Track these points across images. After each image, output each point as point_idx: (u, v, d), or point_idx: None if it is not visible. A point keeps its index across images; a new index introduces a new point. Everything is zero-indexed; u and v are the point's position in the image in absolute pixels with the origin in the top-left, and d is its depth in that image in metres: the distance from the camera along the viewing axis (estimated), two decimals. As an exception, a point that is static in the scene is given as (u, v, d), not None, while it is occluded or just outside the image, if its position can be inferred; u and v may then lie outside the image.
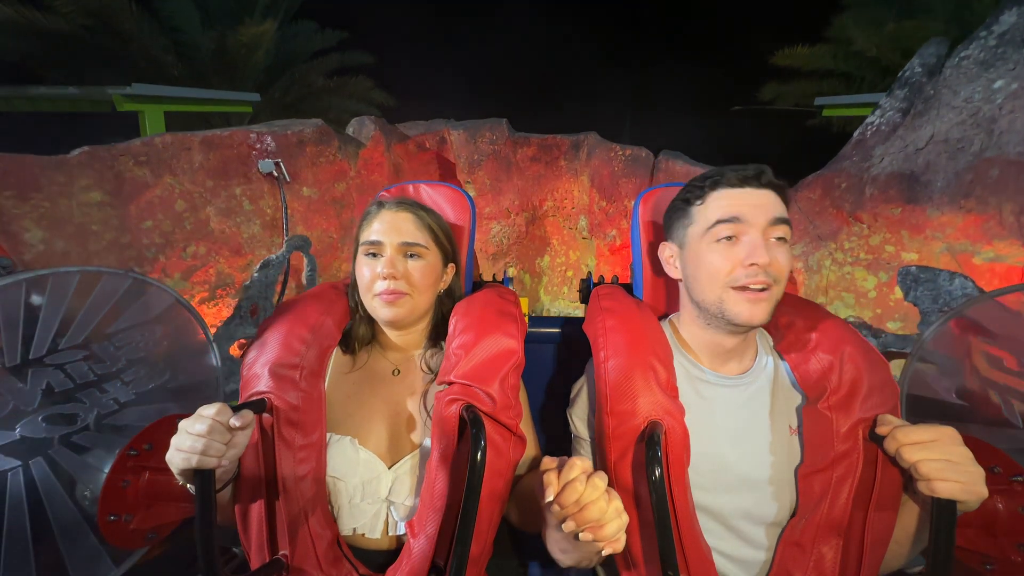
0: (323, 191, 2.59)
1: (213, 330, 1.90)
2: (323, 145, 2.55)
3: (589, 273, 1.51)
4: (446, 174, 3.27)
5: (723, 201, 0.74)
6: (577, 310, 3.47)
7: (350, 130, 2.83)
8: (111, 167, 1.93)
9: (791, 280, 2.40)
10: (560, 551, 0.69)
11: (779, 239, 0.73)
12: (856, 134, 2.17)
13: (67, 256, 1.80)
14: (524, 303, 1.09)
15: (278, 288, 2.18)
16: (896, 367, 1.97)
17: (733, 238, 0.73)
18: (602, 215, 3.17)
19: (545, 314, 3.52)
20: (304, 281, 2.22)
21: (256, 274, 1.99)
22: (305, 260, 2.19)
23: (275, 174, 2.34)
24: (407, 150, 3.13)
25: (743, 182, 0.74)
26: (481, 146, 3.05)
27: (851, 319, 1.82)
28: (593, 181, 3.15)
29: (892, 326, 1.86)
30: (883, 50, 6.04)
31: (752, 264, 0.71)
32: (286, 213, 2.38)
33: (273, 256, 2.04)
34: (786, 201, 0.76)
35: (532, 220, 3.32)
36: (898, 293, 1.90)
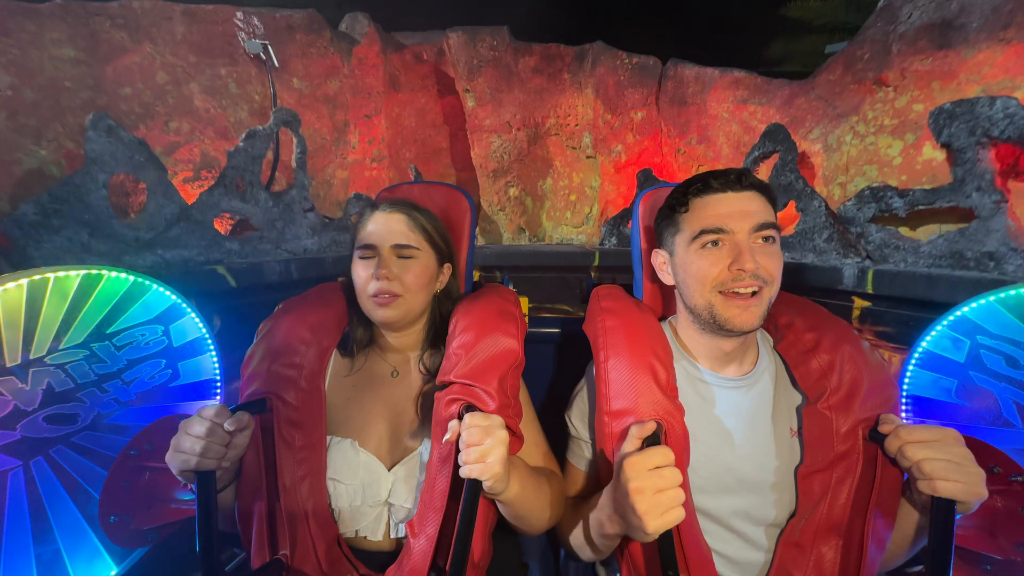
0: (315, 86, 2.47)
1: (192, 199, 1.79)
2: (314, 34, 2.42)
3: (590, 274, 1.50)
4: (444, 88, 3.14)
5: (707, 210, 0.74)
6: (581, 235, 3.36)
7: (343, 27, 2.70)
8: (85, 24, 1.81)
9: (808, 166, 2.28)
10: (586, 543, 0.74)
11: (766, 240, 0.73)
12: (881, 2, 2.03)
13: (37, 107, 1.69)
14: (524, 303, 1.11)
15: (267, 167, 2.07)
16: (924, 232, 1.86)
17: (719, 243, 0.73)
18: (607, 129, 3.04)
19: (547, 240, 3.41)
20: (294, 164, 2.10)
21: (241, 143, 1.87)
22: (294, 139, 2.07)
23: (263, 57, 2.21)
24: (403, 60, 2.99)
25: (724, 187, 0.74)
26: (481, 51, 2.91)
27: (876, 184, 1.70)
28: (598, 92, 3.02)
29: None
30: None
31: (739, 269, 0.71)
32: (275, 99, 2.26)
33: (260, 127, 1.92)
34: (772, 200, 0.76)
35: (534, 139, 3.19)
36: (926, 153, 1.79)
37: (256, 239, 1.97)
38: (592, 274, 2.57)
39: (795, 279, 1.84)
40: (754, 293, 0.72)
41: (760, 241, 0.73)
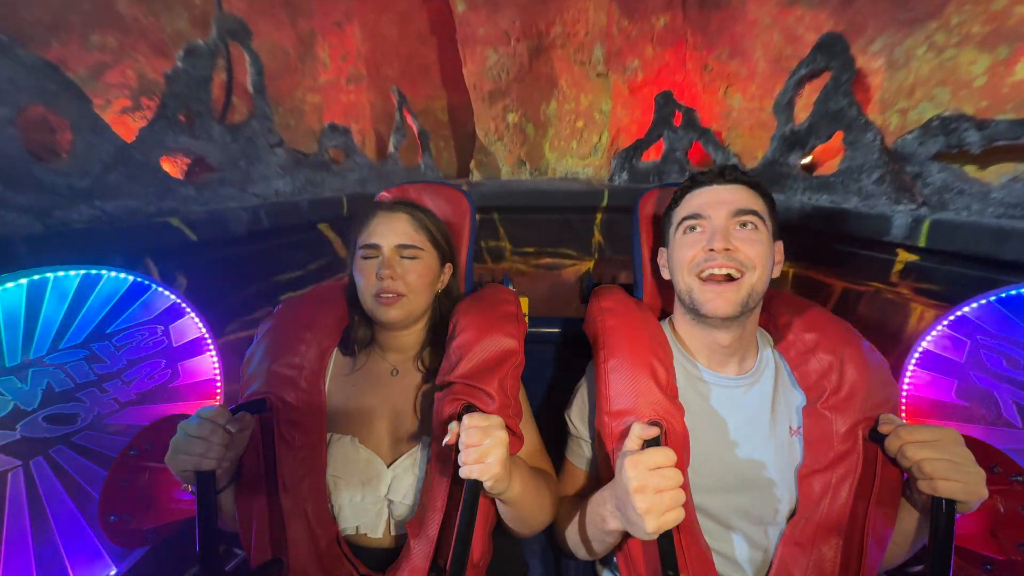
0: (269, -15, 2.02)
1: (133, 135, 1.51)
2: (260, -88, 1.92)
3: (590, 274, 1.39)
4: (429, -13, 2.62)
5: (692, 200, 0.80)
6: (588, 168, 3.04)
7: (297, -98, 2.16)
8: None
9: (863, 88, 1.93)
10: (582, 542, 0.75)
11: (744, 226, 0.75)
12: None
13: (-90, 17, 1.34)
14: (524, 303, 1.07)
15: (220, 92, 1.74)
16: (994, 173, 1.60)
17: (697, 228, 0.78)
18: (622, 39, 2.58)
19: (550, 174, 3.10)
20: (251, 87, 1.77)
21: (180, 64, 1.54)
22: (247, 56, 1.72)
23: (197, -55, 1.76)
24: (378, -50, 2.45)
25: (710, 180, 0.79)
26: (472, -64, 2.37)
27: (947, 113, 1.41)
28: (613, -9, 2.52)
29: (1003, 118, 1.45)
30: None
31: (709, 248, 0.74)
32: (219, 2, 1.85)
33: (201, 41, 1.57)
34: (764, 195, 0.79)
35: (536, 52, 2.74)
36: (1019, 72, 1.46)
37: (216, 182, 1.71)
38: (599, 215, 2.33)
39: (831, 227, 1.62)
40: (731, 278, 0.73)
41: (738, 227, 0.75)
